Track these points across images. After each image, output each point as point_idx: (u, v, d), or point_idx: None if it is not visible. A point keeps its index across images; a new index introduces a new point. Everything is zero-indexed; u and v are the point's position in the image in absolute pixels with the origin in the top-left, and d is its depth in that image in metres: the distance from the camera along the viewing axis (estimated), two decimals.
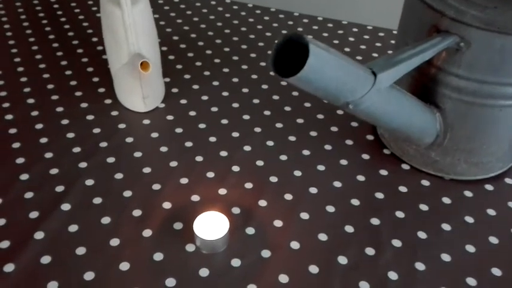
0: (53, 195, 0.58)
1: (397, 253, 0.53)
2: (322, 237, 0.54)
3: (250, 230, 0.55)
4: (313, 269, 0.51)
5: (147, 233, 0.54)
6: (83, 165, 0.62)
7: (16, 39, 0.86)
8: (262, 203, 0.58)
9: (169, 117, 0.71)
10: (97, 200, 0.58)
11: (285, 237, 0.54)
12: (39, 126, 0.68)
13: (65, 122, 0.69)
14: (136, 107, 0.70)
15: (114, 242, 0.53)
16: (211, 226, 0.52)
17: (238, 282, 0.49)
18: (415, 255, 0.53)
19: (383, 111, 0.51)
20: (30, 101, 0.72)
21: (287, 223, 0.56)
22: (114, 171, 0.62)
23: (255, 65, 0.82)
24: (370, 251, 0.53)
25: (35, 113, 0.70)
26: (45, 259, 0.51)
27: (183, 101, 0.74)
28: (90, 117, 0.70)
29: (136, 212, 0.56)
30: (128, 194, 0.59)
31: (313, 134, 0.69)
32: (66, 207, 0.57)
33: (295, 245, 0.53)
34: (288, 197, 0.59)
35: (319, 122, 0.71)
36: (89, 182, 0.60)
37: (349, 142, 0.68)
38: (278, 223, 0.56)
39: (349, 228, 0.55)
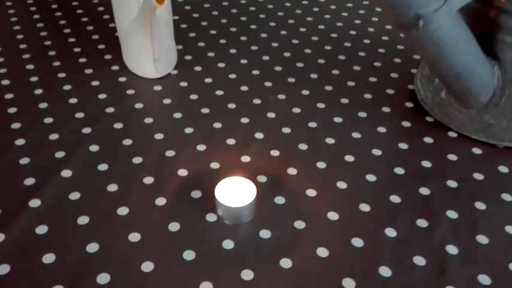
0: (52, 161, 0.50)
1: (454, 225, 0.45)
2: (364, 207, 0.47)
3: (279, 199, 0.47)
4: (357, 242, 0.43)
5: (160, 201, 0.46)
6: (87, 130, 0.55)
7: (16, 8, 0.79)
8: (292, 171, 0.51)
9: (183, 84, 0.64)
10: (102, 167, 0.50)
11: (320, 208, 0.46)
12: (38, 91, 0.61)
13: (67, 87, 0.62)
14: (146, 72, 0.63)
15: (122, 210, 0.45)
16: (235, 193, 0.45)
17: (270, 255, 0.42)
18: (475, 228, 0.45)
19: (450, 42, 0.43)
20: (29, 66, 0.65)
21: (322, 192, 0.48)
22: (122, 137, 0.54)
23: (275, 34, 0.75)
24: (422, 223, 0.45)
25: (34, 79, 0.63)
26: (41, 229, 0.43)
27: (198, 68, 0.67)
28: (95, 83, 0.63)
29: (148, 180, 0.49)
30: (137, 160, 0.51)
31: (344, 101, 0.61)
32: (66, 173, 0.49)
33: (333, 215, 0.46)
34: (321, 165, 0.52)
35: (350, 89, 0.64)
36: (94, 148, 0.53)
37: (386, 109, 0.60)
38: (311, 192, 0.48)
39: (395, 199, 0.48)
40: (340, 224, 0.45)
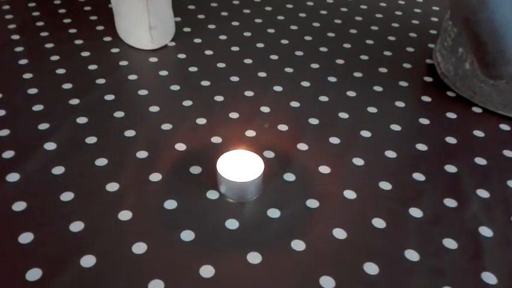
0: (34, 133, 0.45)
1: (487, 205, 0.40)
2: (385, 185, 0.42)
3: (289, 176, 0.42)
4: (379, 222, 0.38)
5: (155, 177, 0.41)
6: (74, 102, 0.50)
7: None
8: (302, 146, 0.46)
9: (181, 56, 0.59)
10: (91, 140, 0.45)
11: (335, 185, 0.41)
12: (23, 61, 0.56)
13: (54, 58, 0.57)
14: (141, 42, 0.58)
15: (112, 186, 0.40)
16: (240, 167, 0.39)
17: (279, 236, 0.37)
18: (509, 208, 0.40)
19: None
20: (15, 37, 0.60)
21: (336, 169, 0.43)
22: (114, 109, 0.49)
23: (281, 7, 0.70)
24: (450, 203, 0.40)
25: (19, 49, 0.58)
26: (19, 205, 0.38)
27: (197, 40, 0.62)
28: (85, 53, 0.58)
29: (141, 154, 0.44)
30: (130, 133, 0.46)
31: (358, 75, 0.56)
32: (50, 146, 0.44)
33: (350, 194, 0.41)
34: (335, 140, 0.47)
35: (363, 63, 0.59)
36: (81, 120, 0.47)
37: (403, 84, 0.55)
38: (325, 169, 0.43)
39: (418, 176, 0.43)
40: (359, 204, 0.40)
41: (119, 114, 0.48)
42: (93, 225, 0.36)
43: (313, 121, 0.49)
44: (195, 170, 0.42)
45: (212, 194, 0.40)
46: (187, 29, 0.64)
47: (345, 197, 0.40)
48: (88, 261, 0.34)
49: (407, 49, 0.62)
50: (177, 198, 0.39)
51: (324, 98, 0.52)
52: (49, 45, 0.59)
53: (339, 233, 0.37)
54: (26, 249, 0.35)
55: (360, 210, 0.39)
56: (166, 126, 0.47)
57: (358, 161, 0.44)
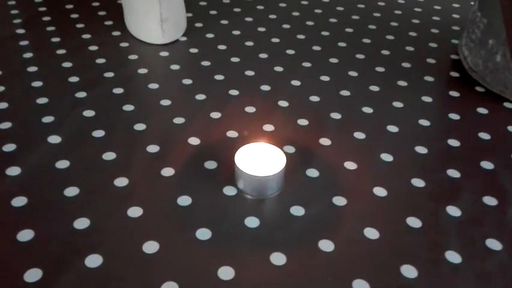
0: (38, 126, 0.42)
1: None
2: (418, 182, 0.38)
3: (312, 172, 0.39)
4: (414, 221, 0.35)
5: (167, 171, 0.38)
6: (81, 95, 0.47)
7: None
8: (325, 141, 0.42)
9: (193, 50, 0.56)
10: (98, 133, 0.42)
11: (364, 182, 0.38)
12: (27, 55, 0.53)
13: (61, 51, 0.54)
14: (151, 36, 0.55)
15: (121, 181, 0.37)
16: (259, 161, 0.36)
17: (305, 236, 0.33)
18: None
19: None
20: (20, 31, 0.58)
21: (364, 165, 0.40)
22: (122, 102, 0.46)
23: (296, 3, 0.68)
24: (490, 201, 0.37)
25: (24, 43, 0.56)
26: (18, 201, 0.35)
27: (210, 35, 0.59)
28: (93, 47, 0.55)
29: (152, 148, 0.41)
30: (140, 127, 0.43)
31: (380, 69, 0.53)
32: (54, 139, 0.41)
33: (380, 191, 0.37)
34: (359, 135, 0.43)
35: (384, 58, 0.55)
36: (88, 113, 0.45)
37: (428, 78, 0.52)
38: (351, 165, 0.40)
39: (453, 173, 0.39)
40: (391, 201, 0.36)
41: (128, 107, 0.45)
42: (99, 222, 0.33)
43: (335, 115, 0.46)
44: (210, 164, 0.39)
45: (229, 190, 0.36)
46: (199, 24, 0.61)
47: (375, 194, 0.37)
48: (94, 261, 0.30)
49: (430, 44, 0.58)
50: (191, 194, 0.36)
51: (345, 92, 0.49)
52: (55, 40, 0.56)
53: (371, 233, 0.33)
54: (25, 247, 0.31)
55: (392, 209, 0.36)
56: (178, 120, 0.44)
57: (387, 157, 0.41)
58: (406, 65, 0.54)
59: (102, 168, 0.38)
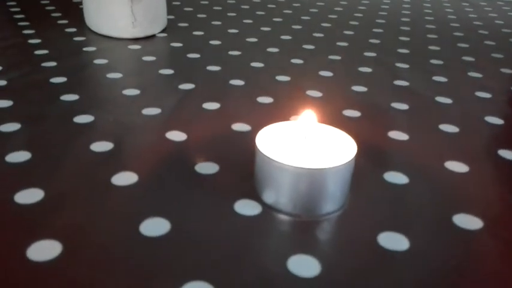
0: None
1: None
2: None
3: (394, 177, 0.22)
4: None
5: (125, 179, 0.21)
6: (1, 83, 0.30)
7: None
8: (397, 135, 0.26)
9: (176, 44, 0.41)
10: (13, 126, 0.25)
11: (491, 190, 0.21)
12: None
13: None
14: (118, 27, 0.39)
15: (37, 194, 0.19)
16: (303, 148, 0.19)
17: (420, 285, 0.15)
18: None
19: None
20: None
21: (476, 166, 0.23)
22: (60, 92, 0.30)
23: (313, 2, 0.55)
24: None
25: None
26: None
27: (199, 33, 0.45)
28: (34, 41, 0.40)
29: (100, 146, 0.24)
30: (83, 119, 0.26)
31: (436, 62, 0.39)
32: None
33: None
34: (447, 128, 0.27)
35: (432, 52, 0.41)
36: (3, 104, 0.28)
37: None
38: (457, 166, 0.23)
39: None
40: None
41: (70, 97, 0.29)
42: None
43: (399, 106, 0.30)
44: (207, 168, 0.22)
45: (247, 206, 0.19)
46: (183, 24, 0.47)
47: None
48: None
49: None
50: (167, 215, 0.18)
51: (400, 83, 0.34)
52: None
53: None
54: None
55: None
56: (150, 111, 0.27)
57: (505, 154, 0.24)
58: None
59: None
